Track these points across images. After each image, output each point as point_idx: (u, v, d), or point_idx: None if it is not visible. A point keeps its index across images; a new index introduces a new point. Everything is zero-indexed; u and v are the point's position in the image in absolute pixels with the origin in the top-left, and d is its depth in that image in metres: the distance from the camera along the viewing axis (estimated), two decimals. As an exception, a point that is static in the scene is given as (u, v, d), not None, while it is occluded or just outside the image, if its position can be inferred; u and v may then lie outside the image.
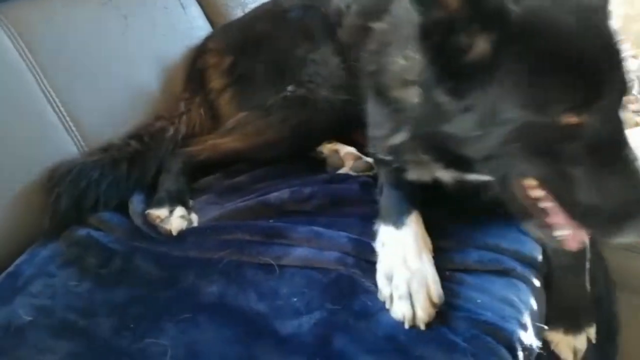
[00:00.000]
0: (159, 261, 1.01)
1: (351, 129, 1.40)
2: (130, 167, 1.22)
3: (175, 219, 1.12)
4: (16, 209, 1.10)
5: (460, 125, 0.83)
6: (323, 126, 1.35)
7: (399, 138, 0.99)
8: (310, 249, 1.01)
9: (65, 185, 1.13)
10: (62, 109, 1.21)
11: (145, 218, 1.12)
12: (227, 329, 0.85)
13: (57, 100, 1.21)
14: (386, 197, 1.08)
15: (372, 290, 0.93)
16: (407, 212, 1.01)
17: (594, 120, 0.74)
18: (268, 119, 1.34)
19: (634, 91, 1.71)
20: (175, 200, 1.17)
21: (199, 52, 1.52)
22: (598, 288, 1.17)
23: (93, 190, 1.15)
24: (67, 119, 1.22)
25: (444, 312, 0.88)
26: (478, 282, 0.96)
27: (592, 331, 1.09)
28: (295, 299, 0.90)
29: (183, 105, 1.43)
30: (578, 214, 0.80)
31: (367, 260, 1.00)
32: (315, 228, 1.06)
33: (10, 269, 1.04)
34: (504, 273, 1.00)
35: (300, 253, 1.00)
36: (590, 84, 0.73)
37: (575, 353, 1.06)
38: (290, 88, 1.33)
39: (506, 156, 0.80)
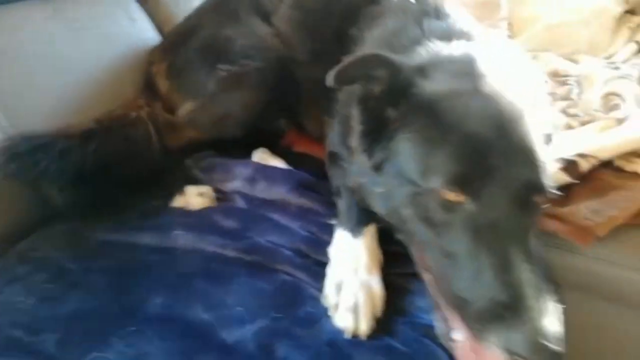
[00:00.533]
0: (109, 275, 1.02)
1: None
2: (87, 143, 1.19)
3: (194, 198, 1.23)
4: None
5: (371, 180, 0.91)
6: (265, 98, 1.40)
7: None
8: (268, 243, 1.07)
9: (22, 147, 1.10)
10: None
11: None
12: (172, 340, 0.87)
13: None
14: (345, 202, 1.10)
15: (317, 296, 0.96)
16: (364, 222, 1.03)
17: (476, 204, 0.74)
18: (213, 105, 1.40)
19: (573, 95, 1.78)
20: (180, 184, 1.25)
21: (147, 65, 1.53)
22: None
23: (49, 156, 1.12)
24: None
25: (386, 317, 0.92)
26: (422, 287, 1.01)
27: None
28: (240, 308, 0.92)
29: (141, 102, 1.45)
30: (451, 303, 0.78)
31: (317, 261, 1.03)
32: (277, 219, 1.14)
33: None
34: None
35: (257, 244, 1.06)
36: (474, 167, 0.75)
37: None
38: (221, 66, 1.37)
39: (404, 220, 0.84)
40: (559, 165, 1.27)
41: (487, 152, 0.75)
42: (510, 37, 2.32)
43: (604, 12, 2.26)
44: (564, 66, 2.04)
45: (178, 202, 1.25)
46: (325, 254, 1.03)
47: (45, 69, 1.30)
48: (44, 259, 1.07)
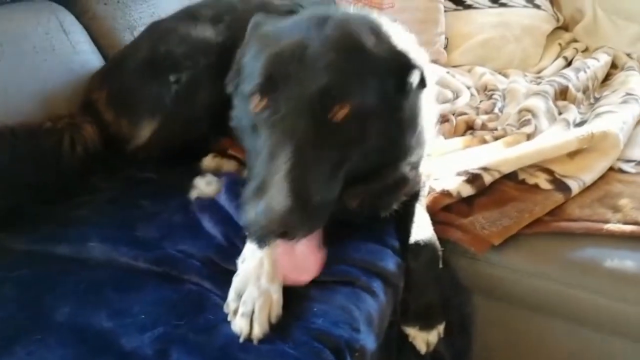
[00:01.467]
0: (23, 285, 1.05)
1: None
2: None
3: (205, 186, 1.32)
4: None
5: (235, 111, 1.10)
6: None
7: None
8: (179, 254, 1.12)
9: None
10: None
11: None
12: (72, 347, 0.91)
13: None
14: None
15: (220, 303, 1.01)
16: None
17: (274, 108, 0.90)
18: (177, 115, 1.41)
19: (496, 109, 1.89)
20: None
21: (86, 91, 1.55)
22: (447, 292, 1.33)
23: None
24: None
25: (283, 323, 0.98)
26: (322, 293, 1.07)
27: (441, 328, 1.24)
28: (143, 316, 0.97)
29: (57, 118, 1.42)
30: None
31: (226, 270, 1.09)
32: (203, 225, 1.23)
33: None
34: (350, 283, 1.12)
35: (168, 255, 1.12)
36: (273, 78, 0.92)
37: (428, 345, 1.22)
38: (172, 77, 1.40)
39: (243, 134, 1.03)
40: (464, 177, 1.36)
41: (285, 66, 0.91)
42: (447, 50, 2.43)
43: (536, 29, 2.40)
44: (493, 81, 2.14)
45: (193, 194, 1.32)
46: (234, 263, 1.09)
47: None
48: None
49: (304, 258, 0.98)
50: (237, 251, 1.11)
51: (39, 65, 1.49)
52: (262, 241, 0.91)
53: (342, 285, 1.10)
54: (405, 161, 1.11)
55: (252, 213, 0.83)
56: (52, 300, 1.02)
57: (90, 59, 1.66)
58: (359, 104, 0.92)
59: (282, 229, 0.83)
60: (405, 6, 2.35)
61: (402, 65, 1.01)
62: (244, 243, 1.11)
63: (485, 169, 1.37)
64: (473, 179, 1.36)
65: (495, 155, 1.43)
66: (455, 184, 1.35)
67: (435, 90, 1.54)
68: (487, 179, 1.36)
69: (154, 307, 1.00)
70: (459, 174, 1.37)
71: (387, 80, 0.99)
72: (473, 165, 1.39)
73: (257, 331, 0.94)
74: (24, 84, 1.44)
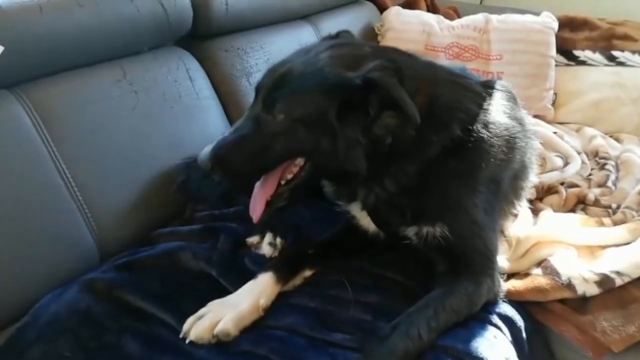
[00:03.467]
0: (145, 342, 1.11)
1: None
2: None
3: (265, 246, 1.38)
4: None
5: None
6: None
7: None
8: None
9: (195, 166, 1.42)
10: (71, 180, 1.33)
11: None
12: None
13: (67, 171, 1.32)
14: None
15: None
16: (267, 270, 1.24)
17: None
18: None
19: (609, 182, 1.79)
20: (265, 227, 1.42)
21: None
22: None
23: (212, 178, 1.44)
24: (75, 189, 1.33)
25: None
26: None
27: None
28: None
29: None
30: None
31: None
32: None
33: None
34: None
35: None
36: (257, 87, 1.21)
37: None
38: None
39: None
40: (595, 279, 1.30)
41: (266, 78, 1.20)
42: (554, 107, 2.34)
43: (653, 93, 2.24)
44: (605, 146, 2.04)
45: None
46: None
47: (108, 136, 1.43)
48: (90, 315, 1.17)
49: (253, 201, 1.22)
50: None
51: (166, 111, 1.58)
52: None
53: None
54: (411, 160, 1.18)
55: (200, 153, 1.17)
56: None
57: (210, 104, 1.74)
58: (295, 113, 1.12)
59: (205, 165, 1.15)
60: (514, 60, 2.29)
61: (352, 89, 1.10)
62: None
63: (618, 273, 1.30)
64: (604, 281, 1.29)
65: (627, 258, 1.35)
66: (583, 282, 1.30)
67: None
68: (618, 282, 1.29)
69: None
70: (590, 271, 1.32)
71: (333, 99, 1.11)
72: (605, 267, 1.32)
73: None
74: (153, 129, 1.53)
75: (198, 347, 1.11)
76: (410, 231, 1.27)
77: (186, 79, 1.66)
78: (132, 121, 1.48)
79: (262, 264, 1.30)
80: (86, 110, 1.40)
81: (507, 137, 1.27)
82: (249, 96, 1.84)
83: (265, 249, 1.37)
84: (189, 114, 1.64)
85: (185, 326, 1.12)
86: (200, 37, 1.84)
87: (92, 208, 1.36)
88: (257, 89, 1.21)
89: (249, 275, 1.25)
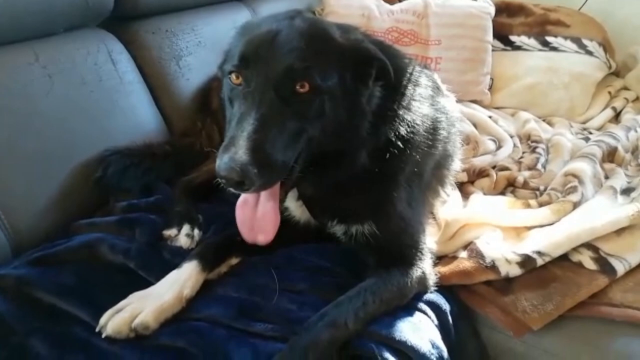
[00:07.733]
0: (55, 342, 1.05)
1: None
2: (160, 162, 1.55)
3: (182, 237, 1.34)
4: None
5: None
6: None
7: None
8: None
9: (114, 159, 1.46)
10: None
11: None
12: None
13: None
14: None
15: None
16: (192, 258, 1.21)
17: (247, 83, 1.06)
18: None
19: (539, 165, 1.83)
20: (182, 219, 1.38)
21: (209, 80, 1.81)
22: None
23: (132, 170, 1.48)
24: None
25: None
26: None
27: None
28: None
29: (199, 124, 1.71)
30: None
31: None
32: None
33: None
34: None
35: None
36: (244, 62, 1.07)
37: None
38: None
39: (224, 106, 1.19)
40: (517, 260, 1.32)
41: (257, 49, 1.06)
42: (491, 91, 2.38)
43: (586, 77, 2.32)
44: (537, 130, 2.09)
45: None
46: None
47: (20, 121, 1.33)
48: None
49: (262, 218, 1.11)
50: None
51: (86, 96, 1.49)
52: (227, 188, 1.01)
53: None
54: (362, 152, 1.17)
55: (218, 164, 0.97)
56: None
57: (135, 89, 1.66)
58: (318, 84, 1.05)
59: (239, 179, 0.96)
60: (452, 44, 2.30)
61: (361, 56, 1.12)
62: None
63: (539, 253, 1.33)
64: (526, 262, 1.32)
65: (548, 238, 1.38)
66: (505, 264, 1.32)
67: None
68: (539, 262, 1.32)
69: None
70: (513, 253, 1.34)
71: (346, 67, 1.09)
72: (526, 248, 1.35)
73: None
74: (71, 113, 1.45)
75: (113, 344, 1.06)
76: (339, 230, 1.29)
77: (108, 62, 1.58)
78: (46, 107, 1.39)
79: (181, 256, 1.25)
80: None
81: (430, 130, 1.29)
82: (179, 80, 1.80)
83: (183, 241, 1.33)
84: (111, 98, 1.56)
85: (102, 320, 1.07)
86: (125, 18, 1.76)
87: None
88: (249, 61, 1.06)
89: (170, 267, 1.20)
